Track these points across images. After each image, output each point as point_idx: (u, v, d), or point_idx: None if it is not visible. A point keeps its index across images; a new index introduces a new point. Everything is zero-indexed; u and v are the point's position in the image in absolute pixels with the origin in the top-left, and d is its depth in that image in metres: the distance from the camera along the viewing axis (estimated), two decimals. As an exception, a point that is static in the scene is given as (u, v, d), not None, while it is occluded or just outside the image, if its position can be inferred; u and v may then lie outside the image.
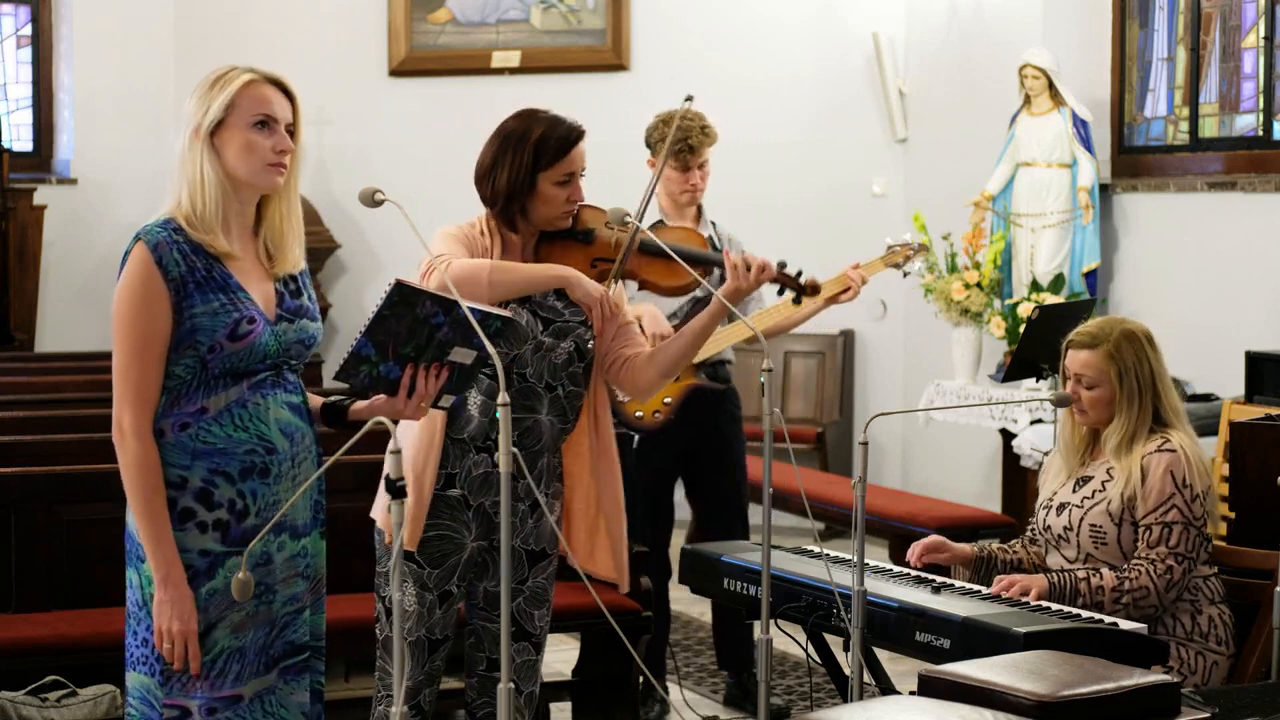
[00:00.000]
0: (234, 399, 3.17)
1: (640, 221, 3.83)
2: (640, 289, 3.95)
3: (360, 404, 3.31)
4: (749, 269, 3.78)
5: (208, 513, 3.16)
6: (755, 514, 5.67)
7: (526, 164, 3.74)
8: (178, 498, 3.16)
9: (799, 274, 3.96)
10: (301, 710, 3.30)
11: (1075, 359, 4.16)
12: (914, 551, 4.21)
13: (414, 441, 3.71)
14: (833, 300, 5.34)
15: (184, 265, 3.13)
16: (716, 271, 3.92)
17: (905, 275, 5.64)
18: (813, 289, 4.00)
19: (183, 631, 3.12)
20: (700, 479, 5.64)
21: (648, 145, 5.56)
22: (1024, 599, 3.89)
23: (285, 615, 3.27)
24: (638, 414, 5.40)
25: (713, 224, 5.60)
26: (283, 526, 3.24)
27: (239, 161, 3.18)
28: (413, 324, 3.16)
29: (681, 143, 5.40)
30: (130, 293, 3.13)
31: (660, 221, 3.95)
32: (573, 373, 3.82)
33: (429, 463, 3.72)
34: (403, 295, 3.13)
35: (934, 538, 4.26)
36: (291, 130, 3.24)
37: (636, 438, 5.49)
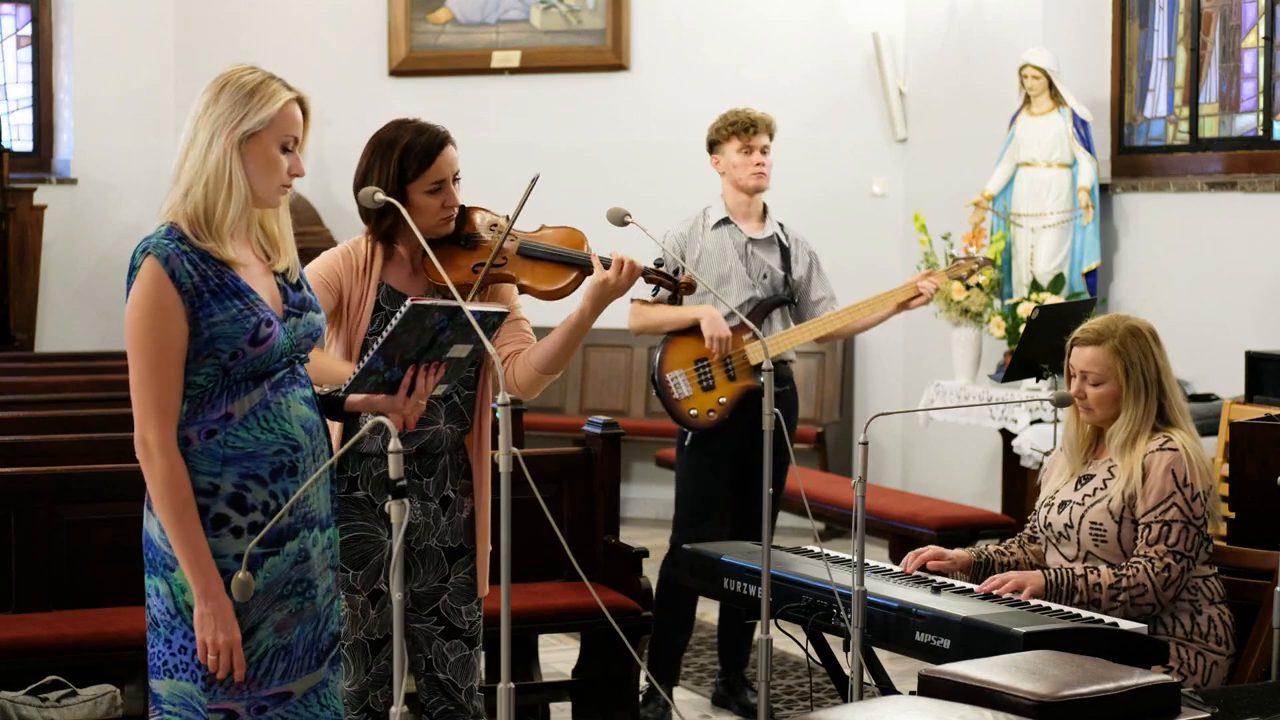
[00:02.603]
0: (257, 401, 3.17)
1: (513, 224, 3.82)
2: (521, 293, 3.93)
3: (357, 397, 3.32)
4: (620, 268, 3.75)
5: (242, 517, 3.16)
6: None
7: (394, 177, 3.74)
8: (209, 504, 3.15)
9: (677, 271, 3.95)
10: (343, 699, 3.35)
11: (1081, 356, 4.16)
12: (910, 561, 4.20)
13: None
14: (904, 306, 5.54)
15: (196, 275, 3.13)
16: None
17: (969, 288, 5.78)
18: (688, 287, 4.02)
19: (228, 642, 3.12)
20: (745, 479, 5.62)
21: (710, 145, 5.59)
22: (1018, 596, 3.89)
23: (326, 607, 3.29)
24: (692, 412, 5.44)
25: (780, 225, 5.63)
26: (313, 521, 3.25)
27: (259, 176, 3.19)
28: (420, 334, 3.21)
29: (745, 119, 5.50)
30: (145, 308, 3.12)
31: (542, 226, 3.95)
32: (466, 378, 3.83)
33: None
34: (416, 314, 3.17)
35: (931, 548, 4.26)
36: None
37: (689, 435, 5.51)
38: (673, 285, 3.99)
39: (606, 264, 3.77)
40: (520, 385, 3.86)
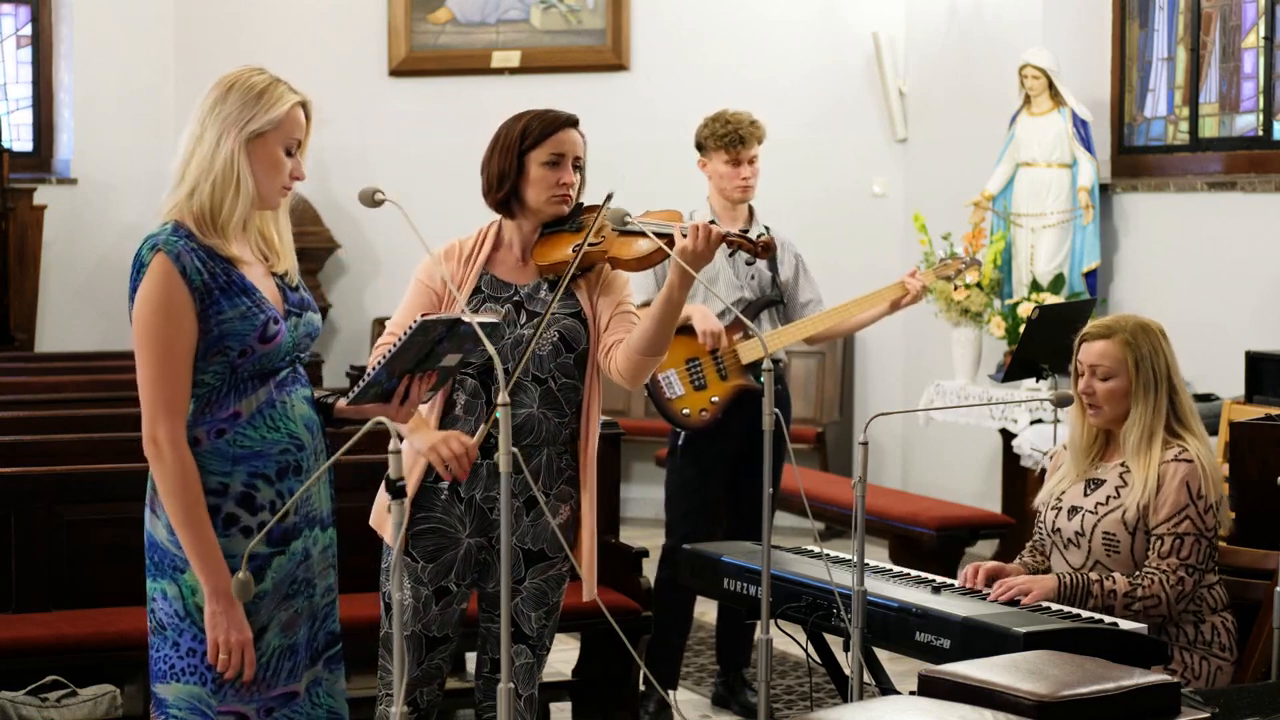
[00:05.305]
0: (264, 400, 3.19)
1: (609, 203, 3.84)
2: (613, 269, 3.94)
3: (343, 402, 3.33)
4: (697, 234, 3.71)
5: (251, 517, 3.17)
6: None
7: (514, 144, 3.81)
8: (220, 504, 3.15)
9: (759, 235, 3.95)
10: (344, 696, 3.36)
11: (1090, 350, 4.14)
12: (974, 576, 4.09)
13: (405, 443, 3.73)
14: (896, 306, 5.48)
15: (205, 272, 3.14)
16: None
17: (956, 288, 5.75)
18: (765, 248, 4.00)
19: (240, 641, 3.12)
20: (742, 480, 5.60)
21: (698, 147, 5.60)
22: (1023, 600, 3.89)
23: (325, 606, 3.31)
24: (684, 412, 5.43)
25: (766, 228, 5.62)
26: (314, 520, 3.27)
27: (264, 176, 3.21)
28: (422, 346, 3.23)
29: (732, 134, 5.46)
30: (155, 304, 3.12)
31: (646, 212, 3.96)
32: (562, 364, 3.82)
33: (418, 461, 3.74)
34: (423, 329, 3.20)
35: (992, 564, 4.13)
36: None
37: (683, 435, 5.50)
38: (752, 248, 3.99)
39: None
40: (624, 372, 3.82)
